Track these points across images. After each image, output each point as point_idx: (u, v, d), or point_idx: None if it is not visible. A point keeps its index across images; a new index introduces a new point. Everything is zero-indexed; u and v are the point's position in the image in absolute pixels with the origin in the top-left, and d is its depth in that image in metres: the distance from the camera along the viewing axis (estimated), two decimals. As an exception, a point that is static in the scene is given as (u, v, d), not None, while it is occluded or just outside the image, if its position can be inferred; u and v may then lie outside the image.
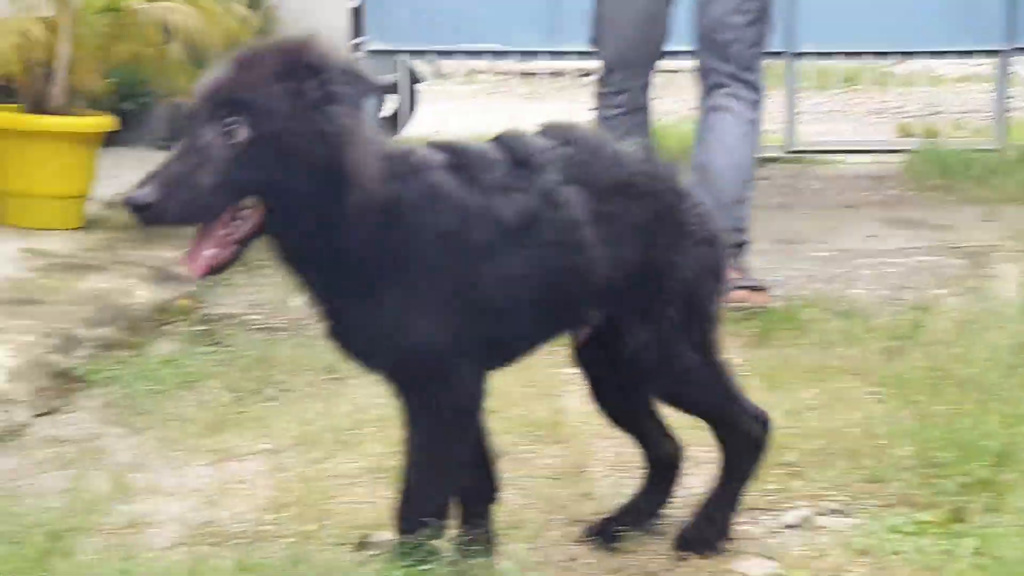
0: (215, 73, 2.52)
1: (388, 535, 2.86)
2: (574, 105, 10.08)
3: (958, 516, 2.94)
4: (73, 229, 5.97)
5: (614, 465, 3.34)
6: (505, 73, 11.41)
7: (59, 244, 5.66)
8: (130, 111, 8.78)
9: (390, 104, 11.34)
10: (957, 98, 11.61)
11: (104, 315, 4.59)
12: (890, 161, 8.97)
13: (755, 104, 4.90)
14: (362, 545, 2.82)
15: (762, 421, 2.93)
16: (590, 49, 5.18)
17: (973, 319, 4.45)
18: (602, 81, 5.07)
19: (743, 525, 2.97)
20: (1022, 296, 4.75)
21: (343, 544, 2.84)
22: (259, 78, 2.46)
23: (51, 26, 6.03)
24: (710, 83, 4.92)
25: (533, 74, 11.84)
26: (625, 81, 5.00)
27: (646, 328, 2.77)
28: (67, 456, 3.40)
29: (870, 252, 6.07)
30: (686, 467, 3.03)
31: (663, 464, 3.00)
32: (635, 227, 2.74)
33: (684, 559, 2.80)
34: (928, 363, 3.90)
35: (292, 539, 2.86)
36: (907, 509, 3.01)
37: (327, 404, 3.77)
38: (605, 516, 2.97)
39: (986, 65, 9.66)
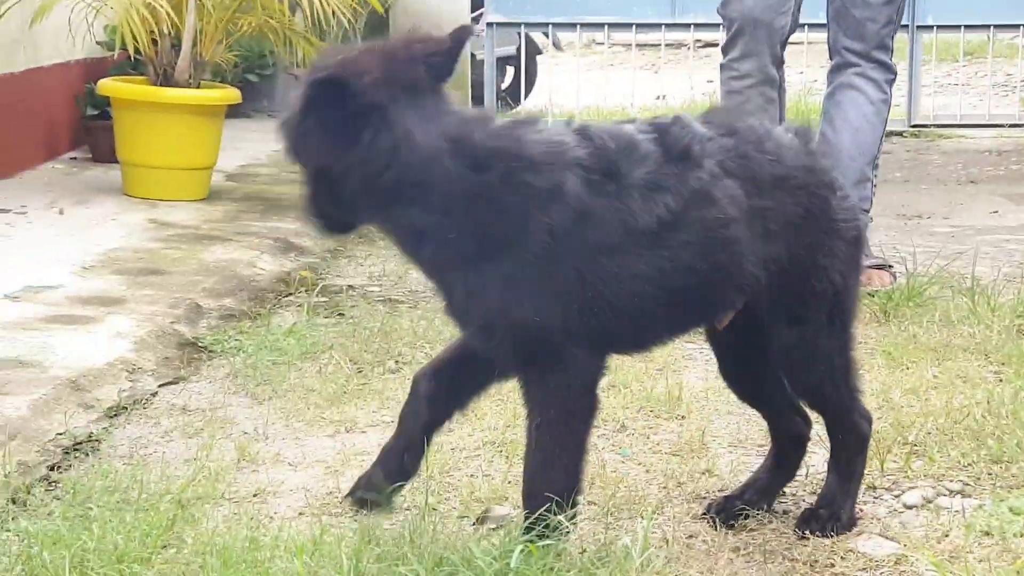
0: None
1: (508, 508, 2.90)
2: (693, 78, 10.03)
3: (1083, 498, 2.90)
4: (198, 200, 6.07)
5: (734, 442, 3.34)
6: (624, 45, 11.37)
7: (184, 215, 5.75)
8: (254, 83, 8.91)
9: (509, 75, 11.38)
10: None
11: (228, 286, 4.66)
12: (1014, 136, 8.83)
13: (886, 84, 4.83)
14: (482, 518, 2.85)
15: (868, 420, 2.92)
16: (717, 13, 4.84)
17: (1100, 299, 4.38)
18: (727, 46, 4.79)
19: (864, 504, 2.96)
20: None
21: (463, 517, 2.87)
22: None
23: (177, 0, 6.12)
24: (841, 60, 4.84)
25: (652, 46, 11.78)
26: (751, 45, 4.70)
27: (794, 328, 2.77)
28: (193, 425, 3.46)
29: (993, 229, 5.99)
30: (810, 445, 3.01)
31: (790, 442, 2.98)
32: (788, 223, 2.70)
33: (805, 538, 2.80)
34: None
35: (412, 511, 2.89)
36: (1031, 491, 2.98)
37: (447, 377, 3.80)
38: (726, 493, 2.97)
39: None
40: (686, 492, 3.02)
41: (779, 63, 4.80)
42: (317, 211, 2.59)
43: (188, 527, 2.76)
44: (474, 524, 2.83)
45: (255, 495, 3.01)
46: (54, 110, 6.98)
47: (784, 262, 2.71)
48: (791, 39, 4.87)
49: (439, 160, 2.50)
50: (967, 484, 3.05)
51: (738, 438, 3.36)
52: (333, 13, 6.29)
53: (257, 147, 7.69)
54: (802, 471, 3.07)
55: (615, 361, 3.79)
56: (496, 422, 3.41)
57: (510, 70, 11.34)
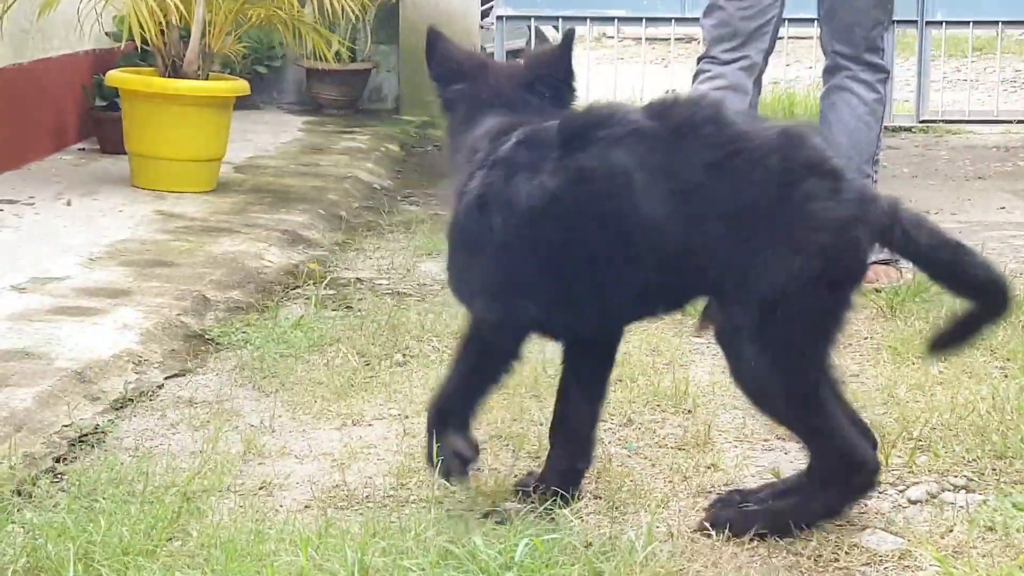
0: None
1: (513, 503, 2.90)
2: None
3: (1088, 495, 2.90)
4: (206, 192, 6.08)
5: (739, 436, 3.34)
6: (634, 39, 11.37)
7: (191, 207, 5.76)
8: (263, 74, 8.92)
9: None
10: (1093, 67, 11.38)
11: (235, 278, 4.66)
12: (1023, 132, 8.82)
13: (878, 83, 4.82)
14: (487, 512, 2.85)
15: (861, 465, 2.75)
16: (700, 24, 4.81)
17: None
18: (703, 56, 4.76)
19: (869, 499, 2.96)
20: None
21: (469, 510, 2.87)
22: None
23: (186, -9, 6.13)
24: (833, 63, 4.83)
25: (662, 40, 11.78)
26: (729, 54, 4.65)
27: (725, 332, 2.72)
28: (199, 417, 3.47)
29: (1001, 224, 5.99)
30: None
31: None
32: (723, 213, 2.65)
33: (810, 534, 2.80)
34: None
35: (419, 504, 2.90)
36: (1035, 487, 2.98)
37: (454, 370, 3.80)
38: (736, 488, 2.96)
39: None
40: (691, 486, 3.03)
41: (756, 77, 4.75)
42: None
43: (193, 520, 2.77)
44: (479, 518, 2.83)
45: (261, 488, 3.02)
46: (62, 101, 6.99)
47: (714, 253, 2.67)
48: (798, 36, 4.87)
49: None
50: (971, 480, 3.06)
51: (744, 433, 3.36)
52: (342, 6, 6.29)
53: (266, 139, 7.70)
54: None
55: (622, 355, 3.80)
56: (503, 416, 3.41)
57: (519, 63, 11.34)
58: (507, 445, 3.25)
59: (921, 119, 9.17)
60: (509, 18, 9.29)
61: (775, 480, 3.00)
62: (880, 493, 3.00)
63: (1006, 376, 3.67)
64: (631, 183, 2.67)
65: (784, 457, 3.21)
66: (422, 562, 2.52)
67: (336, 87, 9.01)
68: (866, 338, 4.10)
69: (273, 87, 9.20)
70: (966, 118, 9.39)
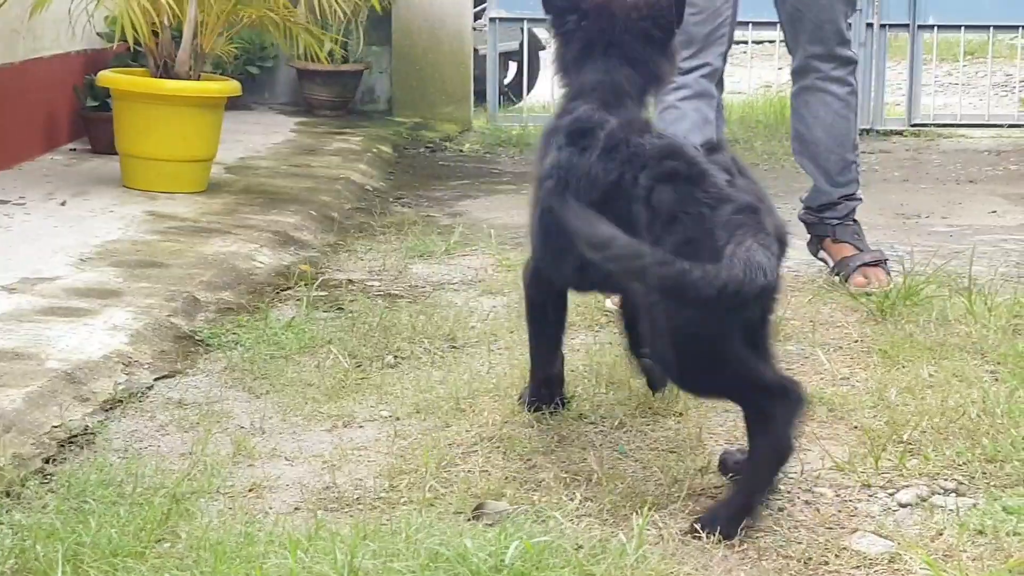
0: None
1: (504, 504, 2.90)
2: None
3: (1077, 499, 2.91)
4: (197, 193, 6.07)
5: (731, 439, 3.34)
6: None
7: (183, 207, 5.75)
8: (255, 75, 8.92)
9: (511, 71, 11.37)
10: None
11: (226, 279, 4.66)
12: (1013, 136, 8.84)
13: (850, 75, 4.80)
14: (478, 514, 2.85)
15: (781, 390, 2.84)
16: None
17: (1097, 298, 4.38)
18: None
19: (859, 503, 2.97)
20: None
21: (459, 513, 2.87)
22: None
23: (178, -9, 6.12)
24: (804, 64, 4.80)
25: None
26: (688, 61, 4.54)
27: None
28: (188, 419, 3.46)
29: (991, 228, 6.00)
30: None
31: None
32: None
33: (799, 535, 2.80)
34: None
35: (410, 506, 2.90)
36: (1025, 490, 2.98)
37: (446, 372, 3.81)
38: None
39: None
40: (682, 489, 3.02)
41: (719, 80, 4.70)
42: None
43: (183, 521, 2.76)
44: (470, 520, 2.83)
45: (251, 490, 3.01)
46: (54, 101, 6.98)
47: None
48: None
49: None
50: (961, 483, 3.06)
51: (735, 435, 3.36)
52: (334, 7, 6.28)
53: (257, 140, 7.70)
54: (796, 468, 3.08)
55: (613, 358, 3.81)
56: (494, 418, 3.41)
57: (512, 65, 11.34)
58: (498, 447, 3.25)
59: (913, 123, 9.19)
60: (502, 20, 9.30)
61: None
62: (870, 496, 3.01)
63: (996, 380, 3.67)
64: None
65: (775, 460, 3.20)
66: (412, 564, 2.51)
67: (328, 88, 9.01)
68: (856, 341, 4.10)
69: (265, 88, 9.20)
70: (957, 122, 9.41)
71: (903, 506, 2.97)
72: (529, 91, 10.58)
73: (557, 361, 3.45)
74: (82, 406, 3.44)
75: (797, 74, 4.85)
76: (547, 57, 11.53)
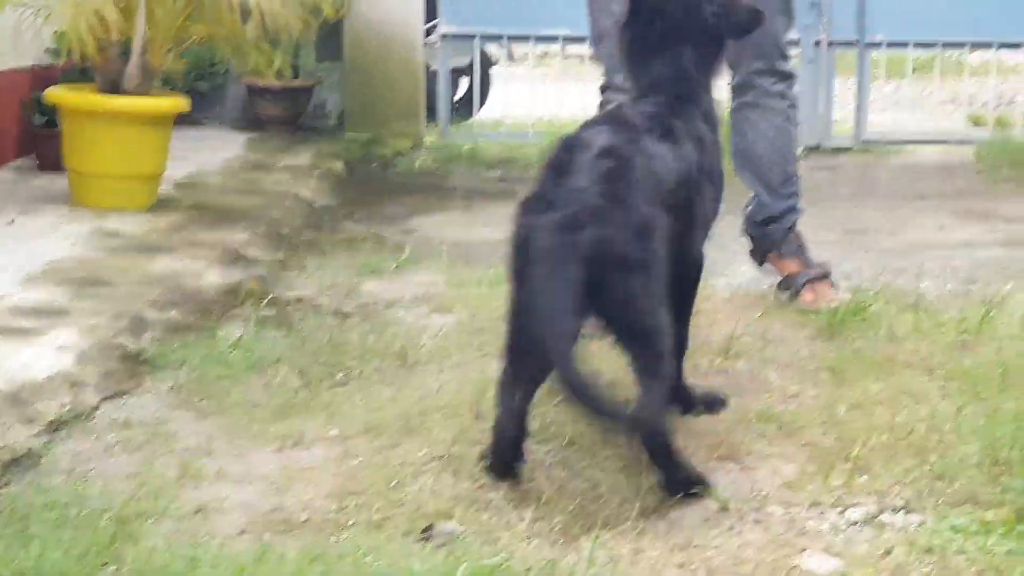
0: None
1: (454, 525, 2.89)
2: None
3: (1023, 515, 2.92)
4: (145, 210, 6.03)
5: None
6: (578, 57, 11.40)
7: (130, 225, 5.71)
8: (204, 91, 8.87)
9: (463, 86, 11.37)
10: (1031, 88, 11.50)
11: (174, 297, 4.62)
12: (961, 152, 8.90)
13: (788, 89, 4.82)
14: (428, 535, 2.84)
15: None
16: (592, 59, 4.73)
17: (1045, 315, 4.41)
18: (604, 86, 4.68)
19: (808, 520, 2.97)
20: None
21: (409, 534, 2.86)
22: None
23: (126, 6, 6.08)
24: (745, 80, 4.79)
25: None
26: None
27: None
28: (135, 440, 3.43)
29: (940, 244, 6.03)
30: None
31: None
32: None
33: (748, 555, 2.80)
34: (996, 358, 3.87)
35: (358, 527, 2.88)
36: (972, 507, 2.99)
37: (396, 390, 3.79)
38: None
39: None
40: (633, 509, 3.02)
41: None
42: None
43: (128, 545, 2.74)
44: (419, 541, 2.82)
45: (197, 512, 2.98)
46: (1, 118, 6.92)
47: None
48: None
49: None
50: (910, 501, 3.06)
51: (686, 452, 3.35)
52: (283, 24, 6.26)
53: (207, 156, 7.65)
54: (746, 487, 3.08)
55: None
56: (444, 437, 3.39)
57: (464, 81, 11.33)
58: (448, 467, 3.23)
59: (861, 140, 9.23)
60: (453, 36, 9.29)
61: None
62: (819, 514, 3.01)
63: (944, 396, 3.68)
64: None
65: (725, 479, 3.20)
66: (360, 587, 2.50)
67: (279, 104, 8.97)
68: (806, 358, 4.10)
69: (215, 104, 9.15)
70: (906, 138, 9.47)
71: (852, 524, 2.97)
72: (480, 107, 10.57)
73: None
74: (27, 427, 3.41)
75: (738, 90, 4.86)
76: (499, 73, 11.56)
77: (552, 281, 2.91)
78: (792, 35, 8.87)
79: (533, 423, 3.47)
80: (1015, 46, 9.76)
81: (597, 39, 4.66)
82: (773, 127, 4.81)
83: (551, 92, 9.49)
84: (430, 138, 9.23)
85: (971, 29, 9.14)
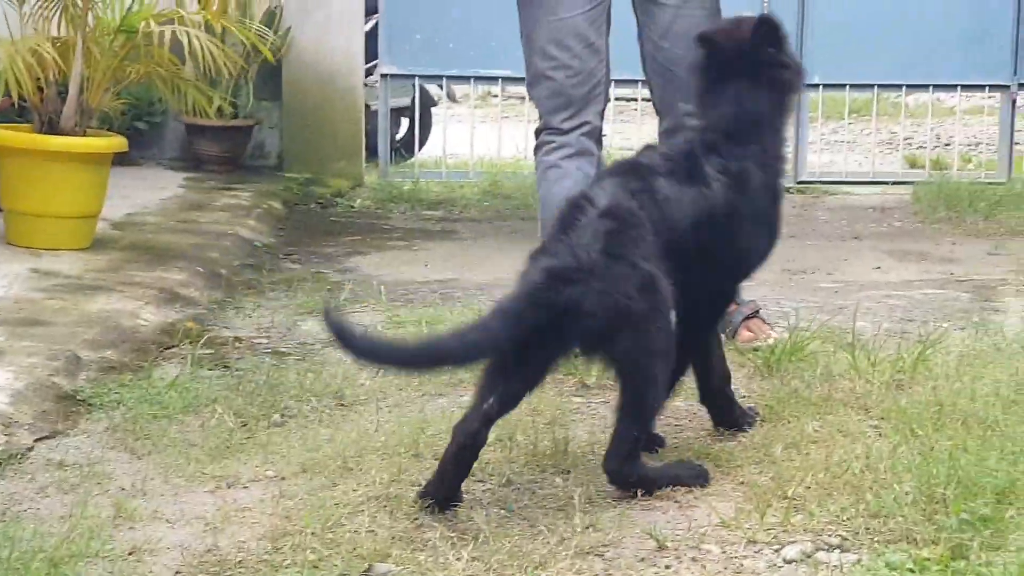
0: None
1: (390, 566, 2.87)
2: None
3: (959, 553, 2.93)
4: (82, 249, 5.99)
5: (618, 497, 3.33)
6: (518, 97, 11.44)
7: (67, 264, 5.67)
8: (143, 130, 8.83)
9: (404, 126, 11.38)
10: (966, 130, 11.63)
11: (110, 337, 4.59)
12: (898, 193, 8.99)
13: None
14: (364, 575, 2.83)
15: None
16: (528, 95, 4.75)
17: (978, 354, 4.45)
18: (541, 127, 4.67)
19: (745, 559, 2.98)
20: (1027, 331, 4.75)
21: (345, 575, 2.84)
22: None
23: (64, 46, 6.06)
24: (676, 123, 4.70)
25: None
26: (567, 121, 4.58)
27: None
28: (69, 481, 3.40)
29: (876, 284, 6.08)
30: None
31: None
32: None
33: (684, 594, 2.80)
34: (932, 397, 3.90)
35: (294, 568, 2.86)
36: (908, 545, 3.00)
37: (333, 430, 3.78)
38: None
39: (993, 99, 9.71)
40: (570, 548, 3.01)
41: (597, 138, 4.69)
42: None
43: (61, 586, 2.71)
44: (355, 582, 2.81)
45: (130, 553, 2.96)
46: (-64, 157, 6.85)
47: None
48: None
49: None
50: (845, 539, 3.08)
51: (622, 493, 3.36)
52: (220, 64, 6.24)
53: (145, 195, 7.61)
54: (683, 525, 3.09)
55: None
56: (381, 476, 3.38)
57: (405, 121, 11.35)
58: (385, 507, 3.22)
59: (799, 180, 9.31)
60: (393, 76, 9.30)
61: None
62: (756, 552, 3.02)
63: (880, 435, 3.70)
64: None
65: (663, 517, 3.21)
66: (294, 628, 2.48)
67: (218, 143, 8.94)
68: (743, 396, 4.12)
69: (153, 143, 9.11)
70: (843, 179, 9.57)
71: (788, 562, 2.98)
72: (421, 147, 10.59)
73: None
74: (-41, 469, 3.37)
75: (670, 134, 4.85)
76: (440, 113, 11.58)
77: (509, 302, 3.14)
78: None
79: (471, 462, 3.47)
80: (950, 88, 9.88)
81: (533, 81, 4.67)
82: None
83: (492, 132, 9.51)
84: (370, 178, 9.23)
85: (907, 72, 9.26)
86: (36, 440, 3.70)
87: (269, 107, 9.18)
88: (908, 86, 9.68)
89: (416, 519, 3.14)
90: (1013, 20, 9.16)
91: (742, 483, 3.41)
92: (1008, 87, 9.27)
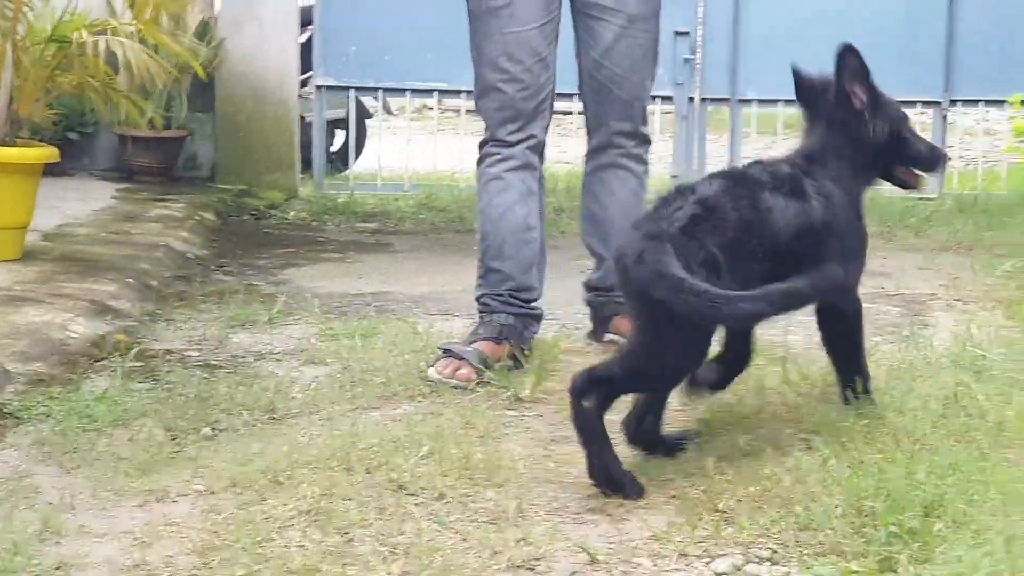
0: None
1: (319, 580, 2.86)
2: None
3: (887, 566, 2.95)
4: (11, 261, 5.93)
5: (551, 511, 3.34)
6: (454, 110, 11.44)
7: (-4, 276, 5.61)
8: (74, 141, 8.76)
9: (339, 138, 11.35)
10: (898, 145, 11.70)
11: (38, 349, 4.55)
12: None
13: (645, 154, 4.86)
14: (292, 590, 2.81)
15: None
16: (476, 107, 4.75)
17: (907, 368, 4.49)
18: (486, 140, 4.69)
19: (676, 572, 2.99)
20: (956, 345, 4.79)
21: (273, 589, 2.82)
22: None
23: (-7, 55, 6.00)
24: (606, 140, 4.80)
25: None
26: (513, 134, 4.62)
27: None
28: (-5, 494, 3.37)
29: (808, 298, 6.10)
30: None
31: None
32: None
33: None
34: (861, 411, 3.93)
35: (222, 583, 2.84)
36: (837, 558, 3.02)
37: (264, 444, 3.76)
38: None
39: (925, 115, 9.82)
40: (502, 562, 3.01)
41: (541, 152, 4.71)
42: None
43: (-16, 602, 2.68)
44: (284, 596, 2.79)
45: (57, 568, 2.92)
46: None
47: None
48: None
49: None
50: (776, 551, 3.09)
51: (555, 507, 3.36)
52: (153, 75, 6.20)
53: (76, 206, 7.55)
54: (614, 538, 3.09)
55: (434, 427, 3.80)
56: (312, 490, 3.36)
57: (340, 133, 11.32)
58: (316, 521, 3.20)
59: (730, 194, 9.37)
60: (328, 88, 9.28)
61: None
62: (687, 565, 3.03)
63: (810, 448, 3.72)
64: None
65: (595, 531, 3.21)
66: (222, 644, 2.46)
67: (150, 154, 8.88)
68: (677, 410, 4.13)
69: (85, 154, 9.04)
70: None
71: (719, 575, 2.99)
72: (356, 159, 10.56)
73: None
74: None
75: (597, 151, 4.85)
76: (375, 125, 11.56)
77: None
78: (666, 91, 9.11)
79: (403, 475, 3.47)
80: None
81: (482, 93, 4.67)
82: (628, 191, 4.82)
83: (428, 145, 9.50)
84: (305, 190, 9.20)
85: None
86: (-38, 453, 3.66)
87: (202, 118, 9.12)
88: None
89: (347, 533, 3.13)
90: (945, 38, 9.28)
91: (674, 496, 3.42)
92: (940, 103, 9.39)
